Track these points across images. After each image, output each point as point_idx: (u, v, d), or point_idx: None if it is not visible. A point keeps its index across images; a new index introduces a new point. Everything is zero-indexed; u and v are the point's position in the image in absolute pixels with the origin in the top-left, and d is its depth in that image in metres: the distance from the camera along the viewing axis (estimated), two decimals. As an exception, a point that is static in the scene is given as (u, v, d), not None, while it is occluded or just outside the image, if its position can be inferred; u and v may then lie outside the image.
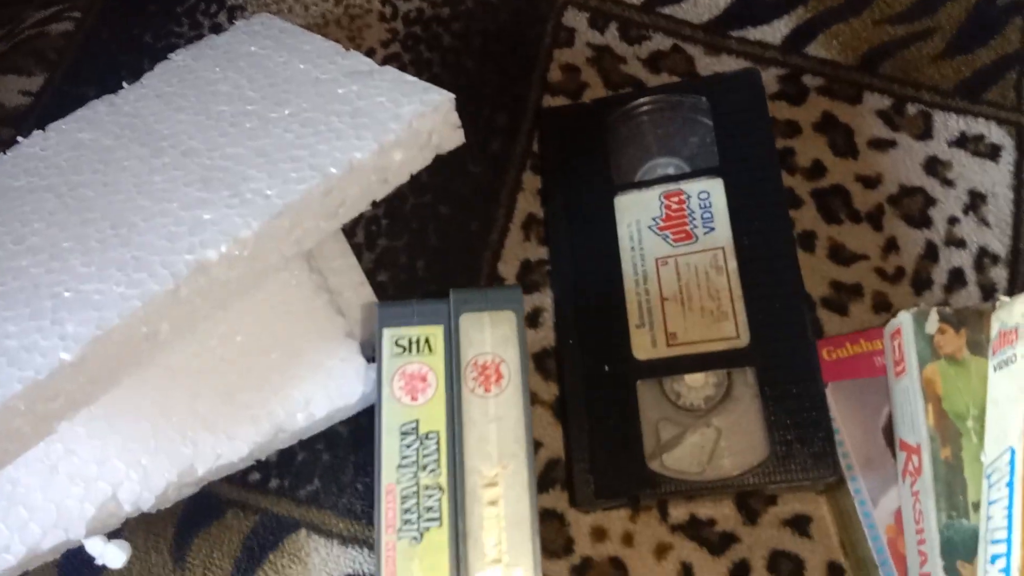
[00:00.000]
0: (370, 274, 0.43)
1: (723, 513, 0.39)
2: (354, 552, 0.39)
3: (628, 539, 0.39)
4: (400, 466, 0.29)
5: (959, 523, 0.34)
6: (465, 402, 0.30)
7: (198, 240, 0.34)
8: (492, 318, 0.32)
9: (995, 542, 0.33)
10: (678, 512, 0.39)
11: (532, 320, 0.43)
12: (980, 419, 0.36)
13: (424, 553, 0.28)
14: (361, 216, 0.45)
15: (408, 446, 0.29)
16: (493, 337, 0.32)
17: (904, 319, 0.37)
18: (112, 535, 0.37)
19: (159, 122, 0.41)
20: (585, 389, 0.39)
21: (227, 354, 0.37)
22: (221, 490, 0.40)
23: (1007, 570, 0.32)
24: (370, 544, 0.39)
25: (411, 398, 0.30)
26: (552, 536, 0.39)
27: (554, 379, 0.42)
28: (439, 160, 0.46)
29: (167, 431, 0.36)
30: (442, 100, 0.37)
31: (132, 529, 0.39)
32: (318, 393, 0.37)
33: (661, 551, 0.39)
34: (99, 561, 0.35)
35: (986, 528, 0.33)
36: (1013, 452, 0.33)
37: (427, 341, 0.31)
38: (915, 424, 0.36)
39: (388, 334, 0.31)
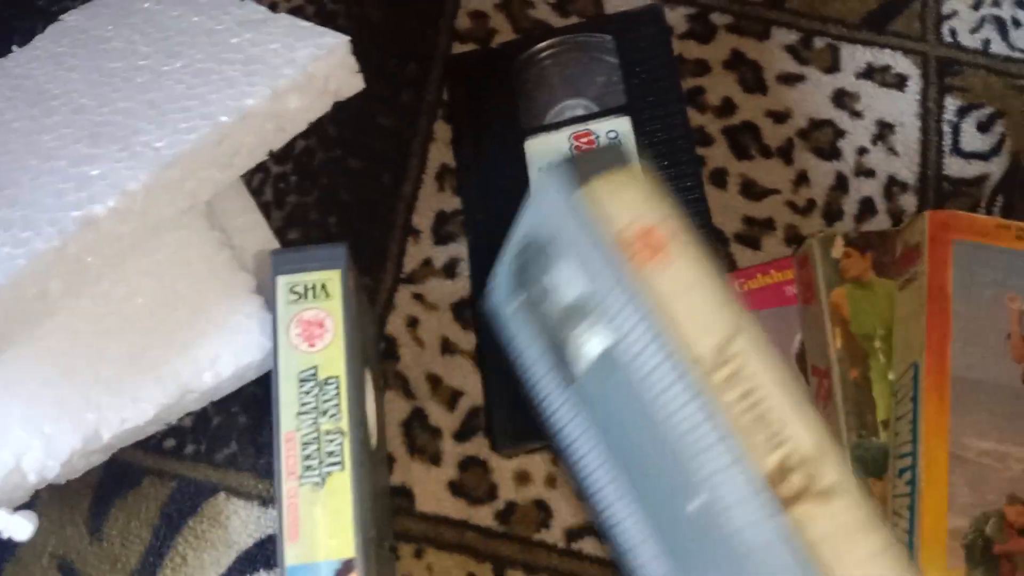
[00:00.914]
0: (280, 232, 0.43)
1: (645, 449, 0.39)
2: (275, 513, 0.38)
3: (551, 481, 0.39)
4: (299, 413, 0.29)
5: (868, 442, 0.35)
6: (634, 278, 0.23)
7: (85, 195, 0.33)
8: (627, 182, 0.25)
9: (902, 456, 0.33)
10: (600, 451, 0.39)
11: (449, 271, 0.43)
12: (887, 339, 0.36)
13: (327, 497, 0.28)
14: (269, 173, 0.44)
15: (307, 392, 0.29)
16: (638, 201, 0.25)
17: (811, 245, 0.38)
18: (24, 510, 0.36)
19: (49, 82, 0.40)
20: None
21: (129, 316, 0.36)
22: (136, 458, 0.39)
23: (913, 482, 0.32)
24: (291, 502, 0.38)
25: (309, 344, 0.29)
26: (475, 483, 0.39)
27: (472, 328, 0.41)
28: (348, 113, 0.46)
29: (70, 397, 0.35)
30: (337, 43, 0.36)
31: (46, 502, 0.38)
32: (224, 351, 0.36)
33: (584, 490, 0.39)
34: (4, 535, 0.34)
35: (894, 444, 0.34)
36: (917, 367, 0.34)
37: (323, 287, 0.30)
38: (824, 348, 0.37)
39: (283, 281, 0.30)
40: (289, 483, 0.28)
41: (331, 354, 0.29)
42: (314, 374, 0.29)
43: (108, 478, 0.39)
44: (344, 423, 0.28)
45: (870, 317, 0.37)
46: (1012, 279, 0.34)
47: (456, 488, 0.39)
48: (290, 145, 0.45)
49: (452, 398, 0.40)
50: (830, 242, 0.37)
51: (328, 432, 0.28)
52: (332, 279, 0.30)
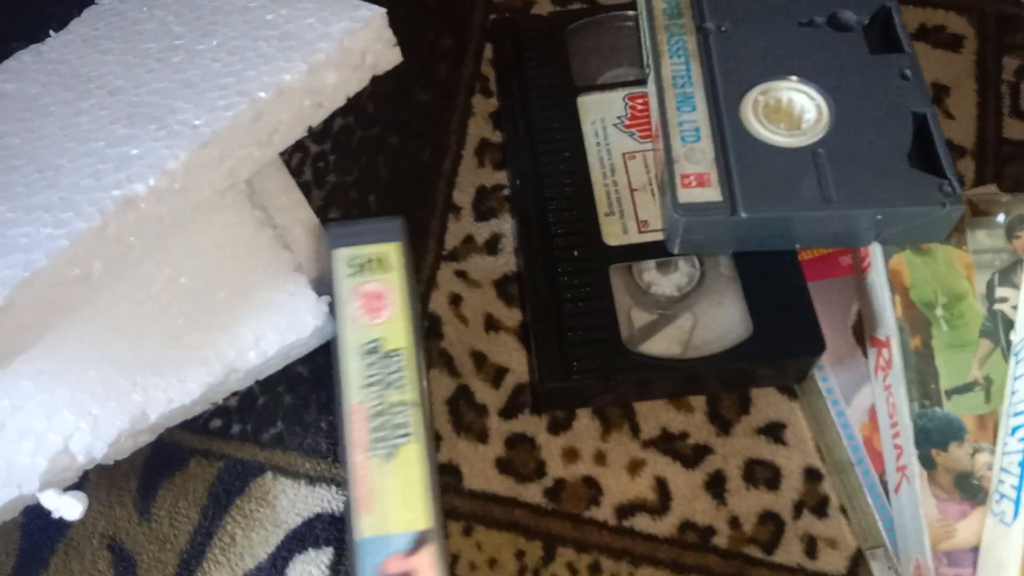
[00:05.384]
0: (321, 212, 0.42)
1: (695, 425, 0.38)
2: (322, 491, 0.38)
3: (600, 458, 0.38)
4: (365, 386, 0.28)
5: (932, 412, 0.33)
6: None
7: (125, 175, 0.32)
8: None
9: (1017, 414, 0.32)
10: (649, 427, 0.38)
11: (491, 247, 0.42)
12: (949, 307, 0.35)
13: (398, 469, 0.27)
14: (308, 153, 0.44)
15: (371, 365, 0.28)
16: None
17: (867, 211, 0.36)
18: (74, 491, 0.36)
19: (85, 65, 0.39)
20: (555, 275, 0.37)
21: (172, 298, 0.36)
22: (183, 439, 0.39)
23: None
24: (338, 482, 0.38)
25: (370, 317, 0.29)
26: (523, 460, 0.38)
27: (516, 304, 0.41)
28: (385, 90, 0.45)
29: (116, 379, 0.35)
30: (372, 16, 0.36)
31: (95, 485, 0.38)
32: (268, 330, 0.36)
33: (634, 467, 0.38)
34: (56, 514, 0.34)
35: (1008, 403, 0.33)
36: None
37: (381, 260, 0.30)
38: (883, 317, 0.35)
39: (341, 254, 0.30)
40: (357, 455, 0.27)
41: (394, 326, 0.29)
42: (377, 347, 0.28)
43: (155, 459, 0.39)
44: (412, 394, 0.28)
45: (931, 285, 0.35)
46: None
47: (504, 465, 0.38)
48: (328, 124, 0.44)
49: (497, 375, 0.40)
50: (887, 207, 0.36)
51: (395, 404, 0.28)
52: (390, 252, 0.30)
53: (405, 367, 0.28)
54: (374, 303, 0.29)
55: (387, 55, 0.37)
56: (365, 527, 0.26)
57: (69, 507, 0.34)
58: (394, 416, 0.28)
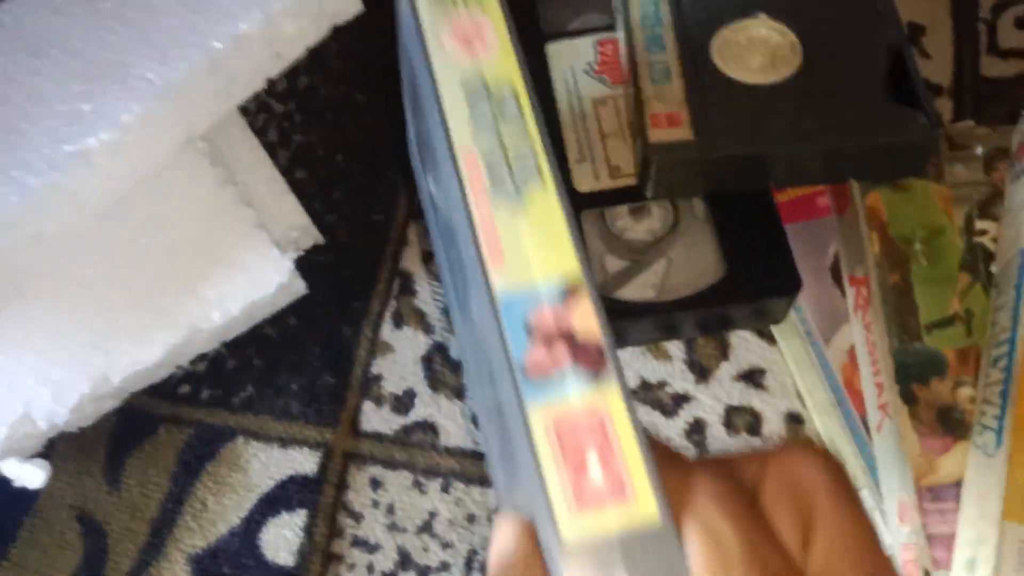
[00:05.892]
0: (287, 172, 0.41)
1: (673, 374, 0.38)
2: (294, 453, 0.37)
3: (579, 411, 0.37)
4: (475, 126, 0.23)
5: (912, 347, 0.33)
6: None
7: (77, 130, 0.31)
8: None
9: (999, 344, 0.32)
10: (627, 377, 0.38)
11: (462, 202, 0.41)
12: (928, 241, 0.34)
13: (530, 212, 0.22)
14: (273, 113, 0.43)
15: (475, 105, 0.23)
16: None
17: (842, 148, 0.36)
18: (37, 459, 0.35)
19: (41, 28, 0.38)
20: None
21: (134, 259, 0.35)
22: (151, 406, 0.38)
23: (1009, 368, 0.31)
24: (311, 443, 0.37)
25: (470, 54, 0.23)
26: (500, 416, 0.38)
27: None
28: (351, 47, 0.44)
29: (77, 343, 0.34)
30: (329, -38, 0.35)
31: (62, 455, 0.38)
32: (232, 288, 0.35)
33: (613, 419, 0.37)
34: (17, 483, 0.33)
35: (990, 334, 0.32)
36: (1022, 253, 0.32)
37: None
38: (861, 255, 0.35)
39: None
40: (478, 200, 0.22)
41: (500, 64, 0.23)
42: (483, 85, 0.23)
43: (123, 427, 0.38)
44: (533, 131, 0.23)
45: (909, 219, 0.34)
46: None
47: (480, 423, 0.38)
48: (293, 83, 0.43)
49: (472, 332, 0.39)
50: (862, 143, 0.35)
51: (515, 144, 0.23)
52: None
53: (522, 103, 0.23)
54: (472, 37, 0.23)
55: (347, 4, 0.35)
56: (500, 281, 0.21)
57: (31, 475, 0.33)
58: (516, 158, 0.22)
